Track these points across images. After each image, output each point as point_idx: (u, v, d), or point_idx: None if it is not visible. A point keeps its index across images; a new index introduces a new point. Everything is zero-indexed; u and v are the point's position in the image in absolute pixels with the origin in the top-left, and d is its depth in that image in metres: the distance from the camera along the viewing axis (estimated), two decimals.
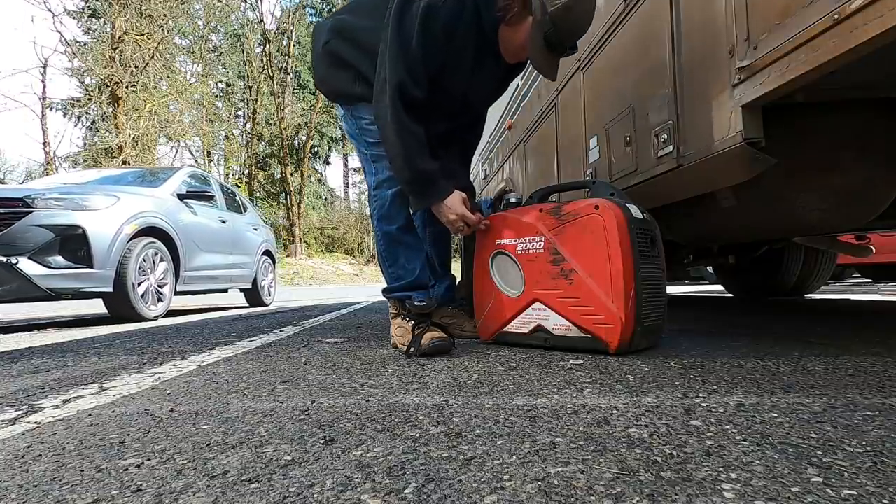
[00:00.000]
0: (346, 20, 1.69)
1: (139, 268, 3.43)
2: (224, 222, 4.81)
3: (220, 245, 4.68)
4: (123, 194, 3.54)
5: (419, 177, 1.53)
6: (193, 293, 4.49)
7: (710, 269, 6.15)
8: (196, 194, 4.26)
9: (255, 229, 5.66)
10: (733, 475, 0.57)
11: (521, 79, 3.62)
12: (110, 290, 3.24)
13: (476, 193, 2.11)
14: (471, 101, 1.75)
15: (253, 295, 5.56)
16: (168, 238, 3.80)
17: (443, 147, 1.80)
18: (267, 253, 5.91)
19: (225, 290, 5.05)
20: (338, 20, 1.71)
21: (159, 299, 3.68)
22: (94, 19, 17.85)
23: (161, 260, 3.71)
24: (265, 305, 5.54)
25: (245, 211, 5.67)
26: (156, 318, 3.57)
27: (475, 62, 1.58)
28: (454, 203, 1.58)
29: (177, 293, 4.02)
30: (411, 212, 1.74)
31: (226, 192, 5.39)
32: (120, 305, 3.36)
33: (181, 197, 4.15)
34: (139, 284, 3.44)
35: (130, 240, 3.40)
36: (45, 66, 16.00)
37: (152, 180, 4.27)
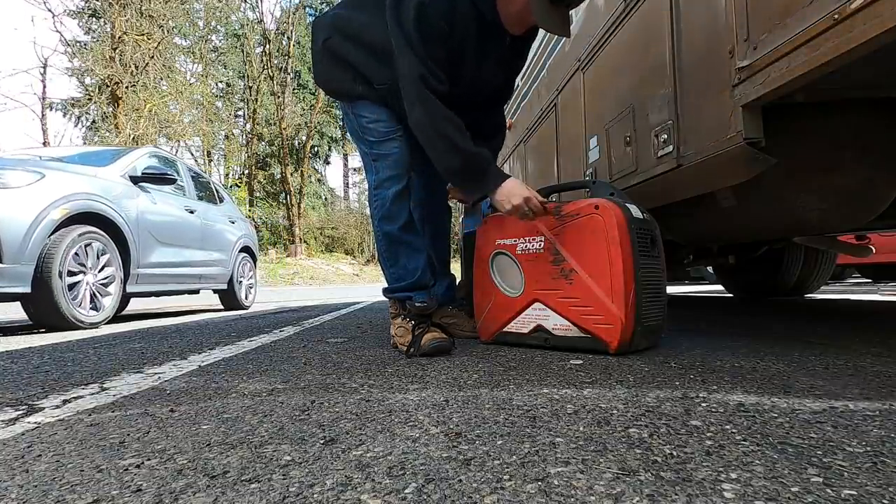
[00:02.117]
0: (343, 15, 1.67)
1: (71, 263, 2.79)
2: (192, 212, 4.16)
3: (186, 239, 4.03)
4: (51, 171, 2.84)
5: (471, 162, 1.46)
6: (157, 294, 3.92)
7: (710, 269, 6.15)
8: (153, 177, 3.57)
9: (232, 222, 4.99)
10: (733, 475, 0.57)
11: (521, 79, 3.62)
12: (28, 290, 2.59)
13: None
14: (482, 86, 1.68)
15: (229, 297, 4.86)
16: (116, 228, 3.17)
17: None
18: (246, 250, 5.21)
19: (196, 292, 4.46)
20: (336, 16, 1.69)
21: (102, 302, 3.07)
22: (94, 19, 17.85)
23: (104, 254, 3.07)
24: (243, 309, 4.90)
25: (220, 202, 4.99)
26: (96, 324, 2.95)
27: (479, 48, 1.54)
28: (516, 186, 1.46)
29: (129, 295, 3.47)
30: (410, 212, 1.73)
31: (196, 179, 4.70)
32: (43, 309, 2.71)
33: (136, 180, 3.48)
34: (71, 284, 2.81)
35: (59, 228, 2.75)
36: (45, 66, 15.99)
37: (109, 159, 3.60)
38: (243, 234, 5.18)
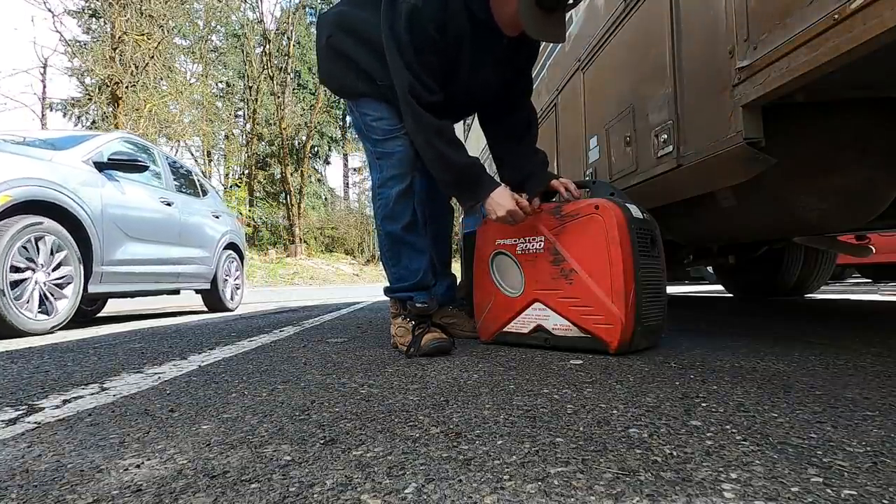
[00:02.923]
0: (346, 13, 1.67)
1: (16, 259, 2.45)
2: (169, 205, 3.79)
3: (162, 233, 3.66)
4: None
5: (462, 174, 1.50)
6: (130, 295, 3.60)
7: (710, 269, 6.15)
8: (121, 163, 3.17)
9: (217, 217, 4.60)
10: (733, 475, 0.57)
11: None
12: None
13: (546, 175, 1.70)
14: (480, 88, 1.65)
15: (212, 298, 4.49)
16: (75, 220, 2.79)
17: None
18: (232, 247, 4.79)
19: (176, 292, 4.12)
20: (339, 13, 1.69)
21: (55, 305, 2.69)
22: (94, 19, 17.86)
23: (60, 249, 2.70)
24: (228, 310, 4.54)
25: (204, 194, 4.61)
26: (51, 329, 2.61)
27: (475, 48, 1.52)
28: (503, 197, 1.49)
29: (90, 296, 3.06)
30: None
31: (176, 170, 4.31)
32: None
33: (101, 167, 3.10)
34: (15, 284, 2.46)
35: (0, 218, 2.41)
36: (45, 66, 16.01)
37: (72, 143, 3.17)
38: (229, 229, 4.77)
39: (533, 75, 3.28)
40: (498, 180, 1.56)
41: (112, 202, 3.12)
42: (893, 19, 0.85)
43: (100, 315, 4.49)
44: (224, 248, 4.64)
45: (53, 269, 2.70)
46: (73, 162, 2.94)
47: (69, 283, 2.78)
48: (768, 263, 3.73)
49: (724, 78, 1.33)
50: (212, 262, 4.39)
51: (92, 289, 2.99)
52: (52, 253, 2.67)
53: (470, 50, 1.53)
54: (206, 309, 4.71)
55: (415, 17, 1.40)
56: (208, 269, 4.35)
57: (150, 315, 4.27)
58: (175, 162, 4.45)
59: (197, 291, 4.42)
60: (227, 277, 4.69)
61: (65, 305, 2.75)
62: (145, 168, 3.38)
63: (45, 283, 2.65)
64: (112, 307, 5.70)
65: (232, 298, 4.76)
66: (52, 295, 2.70)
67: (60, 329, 2.74)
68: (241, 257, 5.10)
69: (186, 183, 4.43)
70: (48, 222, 2.63)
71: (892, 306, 3.03)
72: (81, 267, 2.85)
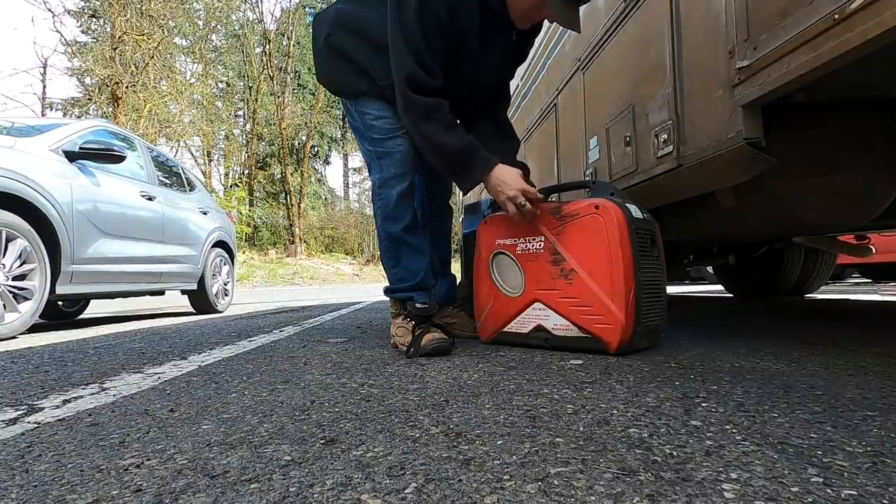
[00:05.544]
0: (346, 11, 1.67)
1: None
2: (151, 199, 3.55)
3: (142, 230, 3.43)
4: None
5: (455, 158, 1.48)
6: (108, 296, 3.41)
7: (710, 269, 6.15)
8: (95, 153, 2.93)
9: (205, 213, 4.35)
10: (733, 475, 0.57)
11: (521, 79, 3.62)
12: None
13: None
14: (485, 80, 1.67)
15: (199, 299, 4.26)
16: (41, 214, 2.55)
17: (470, 127, 1.78)
18: (221, 245, 4.54)
19: (160, 293, 3.92)
20: (339, 11, 1.69)
21: (16, 307, 2.45)
22: (94, 19, 17.86)
23: (21, 246, 2.44)
24: (217, 312, 4.31)
25: (191, 189, 4.38)
26: (11, 335, 2.40)
27: (483, 40, 1.53)
28: (507, 176, 1.46)
29: (58, 297, 2.83)
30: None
31: (161, 163, 4.08)
32: None
33: (72, 157, 2.87)
34: None
35: None
36: (45, 66, 16.02)
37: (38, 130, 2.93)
38: (218, 226, 4.50)
39: (532, 76, 3.28)
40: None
41: (85, 195, 2.89)
42: (893, 19, 0.85)
43: (99, 316, 4.50)
44: (212, 247, 4.39)
45: (12, 267, 2.46)
46: (38, 150, 2.69)
47: (32, 283, 2.54)
48: (768, 263, 3.73)
49: (724, 78, 1.33)
50: (198, 260, 4.14)
51: (61, 290, 2.73)
52: (9, 250, 2.44)
53: (478, 42, 1.53)
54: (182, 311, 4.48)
55: (425, 2, 1.40)
56: (195, 269, 4.09)
57: (148, 316, 4.27)
58: (159, 154, 4.22)
59: (183, 292, 4.21)
60: (216, 278, 4.44)
61: (27, 308, 2.51)
62: (122, 158, 3.11)
63: (3, 284, 2.43)
64: (111, 308, 5.70)
65: (223, 299, 4.55)
66: (13, 296, 2.48)
67: (24, 334, 2.57)
68: (232, 256, 4.81)
69: (171, 176, 4.18)
70: (5, 215, 2.40)
71: (892, 306, 3.04)
72: (48, 266, 2.61)
